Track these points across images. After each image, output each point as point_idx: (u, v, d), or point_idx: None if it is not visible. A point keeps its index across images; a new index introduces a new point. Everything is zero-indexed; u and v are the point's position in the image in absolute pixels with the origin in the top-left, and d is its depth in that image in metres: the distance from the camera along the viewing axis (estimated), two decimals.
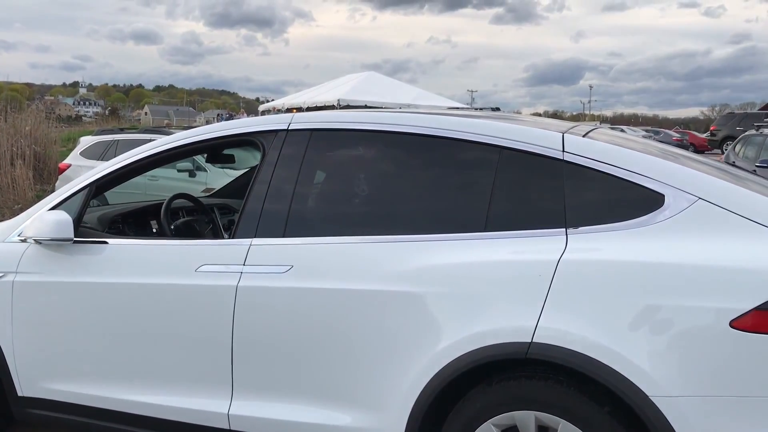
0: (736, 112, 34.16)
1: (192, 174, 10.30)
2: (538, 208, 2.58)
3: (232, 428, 2.90)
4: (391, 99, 45.89)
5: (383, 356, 2.60)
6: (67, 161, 11.51)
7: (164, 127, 12.32)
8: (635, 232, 2.37)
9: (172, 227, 3.64)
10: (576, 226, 2.46)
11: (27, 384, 3.34)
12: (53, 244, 3.21)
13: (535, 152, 2.61)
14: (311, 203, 2.99)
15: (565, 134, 2.64)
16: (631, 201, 2.44)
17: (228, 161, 4.47)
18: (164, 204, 3.76)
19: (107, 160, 10.87)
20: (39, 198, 13.08)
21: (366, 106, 49.76)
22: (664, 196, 2.40)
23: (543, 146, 2.61)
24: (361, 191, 2.97)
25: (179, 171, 10.29)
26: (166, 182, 10.50)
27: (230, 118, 38.27)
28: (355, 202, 2.98)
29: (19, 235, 3.39)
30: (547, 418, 2.35)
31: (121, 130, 11.91)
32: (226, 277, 2.86)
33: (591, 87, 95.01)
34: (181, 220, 3.90)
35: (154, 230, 3.96)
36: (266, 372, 2.82)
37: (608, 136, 2.93)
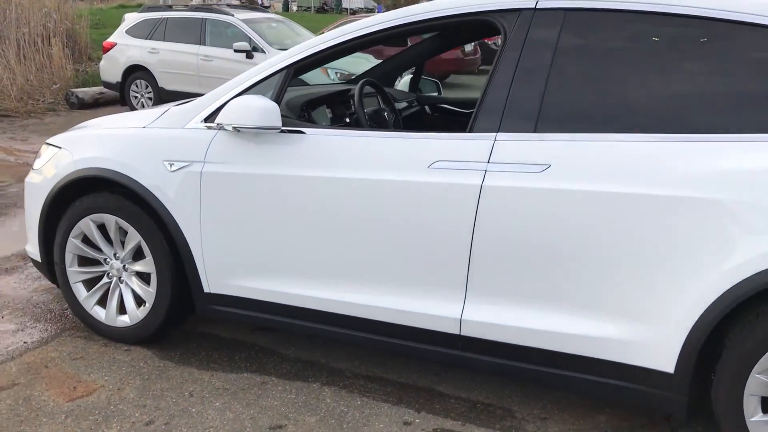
0: None
1: (249, 55, 9.80)
2: None
3: (462, 333, 2.71)
4: None
5: (657, 268, 2.36)
6: (111, 39, 10.91)
7: (217, 3, 11.50)
8: None
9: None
10: None
11: (214, 280, 3.13)
12: (259, 132, 2.91)
13: None
14: (568, 95, 2.60)
15: None
16: None
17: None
18: (357, 91, 3.43)
19: (155, 39, 10.47)
20: (76, 77, 12.57)
21: None
22: None
23: None
24: (631, 83, 2.56)
25: (236, 51, 9.78)
26: (221, 63, 10.07)
27: None
28: (624, 96, 2.56)
29: (203, 121, 3.09)
30: None
31: (169, 8, 11.23)
32: (468, 174, 2.58)
33: None
34: (371, 108, 3.56)
35: (347, 120, 3.63)
36: (510, 277, 2.59)
37: None
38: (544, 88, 2.57)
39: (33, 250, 3.63)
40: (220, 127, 3.00)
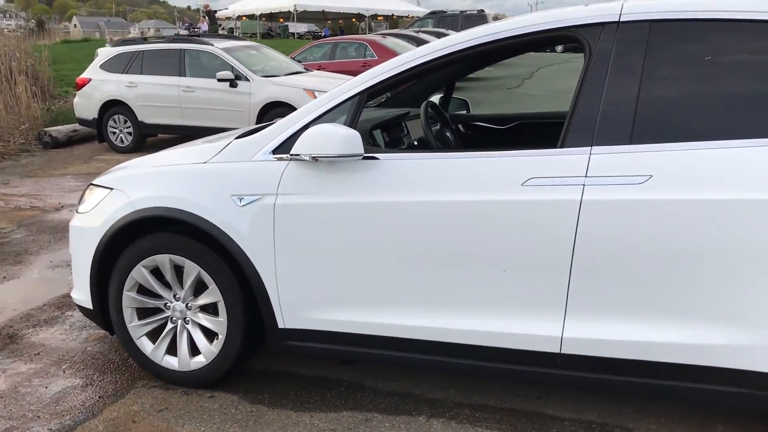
0: None
1: (233, 84, 9.64)
2: None
3: (563, 351, 2.66)
4: (348, 3, 44.38)
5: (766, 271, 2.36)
6: (85, 75, 10.60)
7: (195, 35, 11.39)
8: None
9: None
10: None
11: (291, 315, 3.01)
12: (335, 161, 2.82)
13: None
14: (661, 106, 2.60)
15: None
16: None
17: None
18: (423, 114, 3.37)
19: (132, 72, 10.22)
20: (44, 116, 12.17)
21: (323, 12, 47.76)
22: None
23: None
24: (722, 90, 2.57)
25: (219, 81, 9.61)
26: (203, 93, 9.91)
27: (190, 27, 36.31)
28: (716, 103, 2.58)
29: (272, 153, 2.98)
30: None
31: (144, 41, 10.95)
32: (565, 190, 2.54)
33: None
34: (435, 128, 3.51)
35: (415, 142, 3.56)
36: (613, 291, 2.56)
37: None
38: (636, 100, 2.56)
39: (82, 297, 3.45)
40: (292, 158, 2.90)
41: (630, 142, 2.52)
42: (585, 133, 2.58)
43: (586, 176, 2.53)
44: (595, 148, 2.55)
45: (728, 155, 2.41)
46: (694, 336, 2.51)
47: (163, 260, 3.17)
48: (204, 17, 28.18)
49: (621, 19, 2.64)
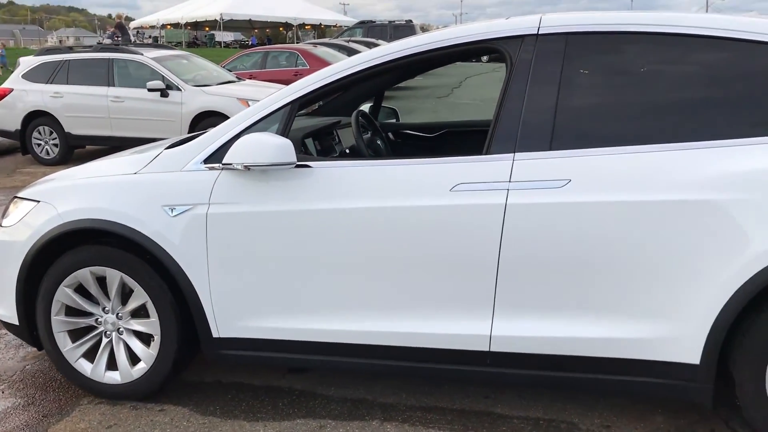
0: None
1: (164, 93, 9.48)
2: None
3: (492, 349, 2.78)
4: (275, 12, 44.10)
5: (679, 269, 2.54)
6: (6, 85, 10.22)
7: (121, 44, 11.24)
8: None
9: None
10: None
11: (225, 324, 3.04)
12: (267, 169, 2.87)
13: None
14: (578, 114, 2.77)
15: None
16: None
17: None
18: (354, 122, 3.46)
19: (57, 82, 9.92)
20: None
21: (250, 21, 47.24)
22: None
23: None
24: (636, 99, 2.74)
25: (150, 90, 9.43)
26: (133, 103, 9.71)
27: (114, 36, 35.25)
28: (630, 111, 2.75)
29: (204, 162, 3.00)
30: None
31: (70, 49, 10.62)
32: (491, 194, 2.67)
33: None
34: (366, 136, 3.58)
35: (347, 150, 3.61)
36: (538, 289, 2.70)
37: None
38: (555, 109, 2.71)
39: (7, 313, 3.36)
40: (225, 167, 2.93)
41: (550, 148, 2.67)
42: (508, 140, 2.72)
43: (510, 181, 2.66)
44: (518, 155, 2.68)
45: (641, 160, 2.58)
46: (614, 330, 2.67)
47: (84, 275, 3.14)
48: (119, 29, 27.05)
49: (540, 32, 2.80)
